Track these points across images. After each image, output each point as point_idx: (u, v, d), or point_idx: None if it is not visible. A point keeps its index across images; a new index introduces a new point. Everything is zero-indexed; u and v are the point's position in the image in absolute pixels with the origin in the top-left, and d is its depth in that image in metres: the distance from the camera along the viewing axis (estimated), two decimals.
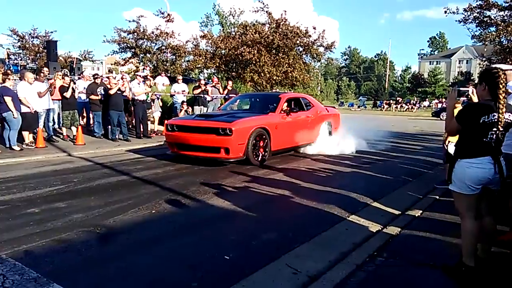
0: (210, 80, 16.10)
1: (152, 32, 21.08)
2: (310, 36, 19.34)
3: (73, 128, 10.68)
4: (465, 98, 3.11)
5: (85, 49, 31.40)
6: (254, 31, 18.97)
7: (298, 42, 19.19)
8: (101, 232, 4.16)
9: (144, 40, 21.29)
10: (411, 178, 7.32)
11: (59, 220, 4.45)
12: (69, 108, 10.62)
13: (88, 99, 11.18)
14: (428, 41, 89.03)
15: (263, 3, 19.69)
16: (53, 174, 6.97)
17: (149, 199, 5.41)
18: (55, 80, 10.97)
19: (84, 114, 12.87)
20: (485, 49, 20.95)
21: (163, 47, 21.72)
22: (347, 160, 8.88)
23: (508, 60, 16.07)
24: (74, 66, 19.67)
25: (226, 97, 13.47)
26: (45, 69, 12.75)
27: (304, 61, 20.38)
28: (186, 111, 13.21)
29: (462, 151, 3.06)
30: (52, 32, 25.94)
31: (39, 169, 7.41)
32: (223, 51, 19.79)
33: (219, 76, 19.65)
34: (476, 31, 19.17)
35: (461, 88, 3.16)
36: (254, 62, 18.44)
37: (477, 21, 18.61)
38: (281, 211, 5.31)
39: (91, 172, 7.21)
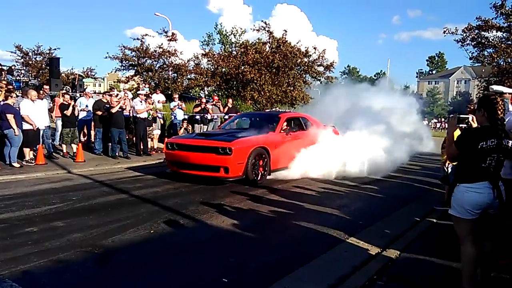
0: (210, 98, 16.20)
1: (155, 51, 21.33)
2: (310, 56, 19.55)
3: (73, 145, 10.72)
4: (465, 125, 3.14)
5: (88, 66, 31.65)
6: (254, 50, 19.18)
7: (298, 62, 19.38)
8: (99, 253, 4.14)
9: (147, 58, 21.52)
10: (410, 199, 7.32)
11: (57, 240, 4.44)
12: (69, 126, 10.68)
13: (93, 115, 11.31)
14: (427, 61, 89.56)
15: (265, 23, 20.00)
16: (52, 192, 6.96)
17: (148, 218, 5.39)
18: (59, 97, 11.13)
19: (85, 131, 12.93)
20: (483, 70, 21.15)
21: (165, 66, 21.94)
22: (345, 180, 8.87)
23: (506, 81, 16.20)
24: (76, 83, 19.81)
25: (226, 116, 13.55)
26: (46, 86, 12.91)
27: (304, 80, 20.55)
28: (186, 129, 13.27)
29: (461, 176, 3.09)
30: (55, 49, 26.26)
31: (38, 186, 7.41)
32: (223, 70, 19.97)
33: (220, 94, 19.78)
34: (473, 52, 19.40)
35: (461, 115, 3.21)
36: (254, 81, 18.59)
37: (474, 42, 18.84)
38: (280, 232, 5.29)
39: (90, 190, 7.20)
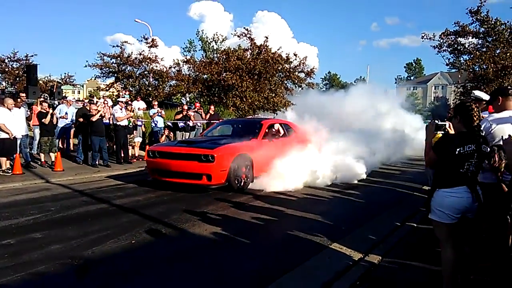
0: (192, 105, 16.13)
1: (135, 58, 21.14)
2: (291, 62, 19.72)
3: (52, 154, 10.49)
4: (442, 132, 3.22)
5: (66, 72, 30.94)
6: (236, 57, 19.24)
7: (279, 68, 19.52)
8: (79, 264, 4.05)
9: (127, 65, 21.31)
10: (391, 204, 7.41)
11: (35, 252, 4.32)
12: (47, 134, 10.45)
13: (75, 121, 11.17)
14: (405, 67, 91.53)
15: (247, 29, 20.10)
16: (30, 202, 6.79)
17: (129, 228, 5.31)
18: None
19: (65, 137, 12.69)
20: (459, 76, 21.70)
21: (145, 72, 21.75)
22: (328, 185, 8.92)
23: (482, 88, 16.66)
24: (54, 90, 19.45)
25: (209, 122, 13.50)
26: (22, 94, 12.65)
27: (286, 86, 20.70)
28: (167, 136, 13.16)
29: (440, 181, 3.15)
30: (32, 56, 25.67)
31: (15, 197, 7.21)
32: (205, 76, 19.94)
33: (201, 101, 19.73)
34: (450, 58, 19.89)
35: (438, 122, 3.28)
36: (236, 87, 18.62)
37: (450, 49, 19.34)
38: (263, 239, 5.28)
39: (69, 200, 7.05)
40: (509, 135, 3.23)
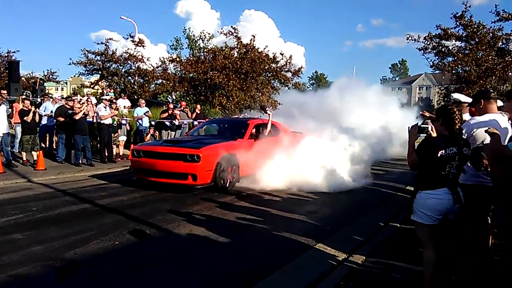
0: (178, 104, 16.01)
1: (121, 55, 20.88)
2: (277, 62, 19.73)
3: (34, 153, 10.30)
4: (425, 134, 3.27)
5: (49, 69, 30.24)
6: (223, 56, 19.17)
7: (266, 68, 19.51)
8: (60, 266, 3.99)
9: (112, 62, 21.03)
10: (375, 204, 7.49)
11: (16, 253, 4.24)
12: (29, 132, 10.26)
13: (55, 120, 10.98)
14: (390, 68, 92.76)
15: (233, 28, 20.05)
16: (11, 202, 6.65)
17: (113, 229, 5.24)
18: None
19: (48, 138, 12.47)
20: (443, 77, 22.01)
21: (131, 71, 21.50)
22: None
23: (465, 89, 16.91)
24: (37, 87, 19.11)
25: (196, 123, 13.41)
26: (4, 91, 12.39)
27: (272, 85, 20.69)
28: (153, 135, 13.04)
29: (421, 183, 3.19)
30: (14, 52, 25.14)
31: None
32: (191, 75, 19.82)
33: (188, 99, 19.60)
34: (434, 60, 20.15)
35: (421, 125, 3.33)
36: (222, 86, 18.56)
37: (435, 51, 19.60)
38: (249, 240, 5.27)
39: (51, 200, 6.93)
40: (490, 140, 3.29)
